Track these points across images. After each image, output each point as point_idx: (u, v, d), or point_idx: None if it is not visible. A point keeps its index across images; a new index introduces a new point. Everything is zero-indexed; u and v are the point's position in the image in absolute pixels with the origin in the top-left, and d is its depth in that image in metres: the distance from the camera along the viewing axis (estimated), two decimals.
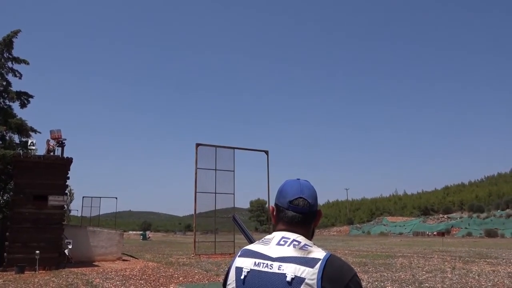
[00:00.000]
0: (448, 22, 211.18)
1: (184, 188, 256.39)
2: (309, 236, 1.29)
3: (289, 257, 1.17)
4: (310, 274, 1.12)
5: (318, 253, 1.17)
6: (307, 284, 1.11)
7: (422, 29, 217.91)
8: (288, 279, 1.13)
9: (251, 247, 1.28)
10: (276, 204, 1.34)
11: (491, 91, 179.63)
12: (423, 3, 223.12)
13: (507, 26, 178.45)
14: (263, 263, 1.20)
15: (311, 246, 1.21)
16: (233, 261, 1.29)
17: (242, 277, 1.23)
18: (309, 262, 1.14)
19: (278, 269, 1.16)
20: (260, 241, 1.30)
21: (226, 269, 1.41)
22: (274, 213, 1.34)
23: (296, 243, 1.21)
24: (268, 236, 1.30)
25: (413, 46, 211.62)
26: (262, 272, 1.19)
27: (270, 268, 1.18)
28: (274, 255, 1.20)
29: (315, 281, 1.11)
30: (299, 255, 1.17)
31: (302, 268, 1.13)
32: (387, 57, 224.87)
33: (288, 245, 1.21)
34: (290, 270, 1.14)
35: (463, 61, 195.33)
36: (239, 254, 1.30)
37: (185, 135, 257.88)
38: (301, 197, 1.28)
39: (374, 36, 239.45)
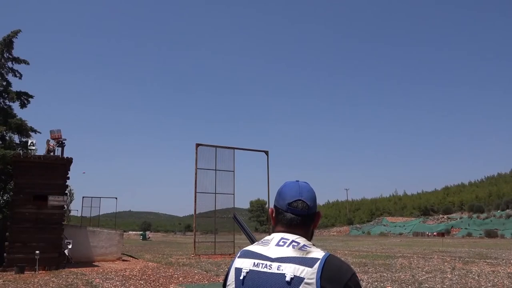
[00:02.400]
0: (447, 22, 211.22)
1: (184, 189, 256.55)
2: (308, 237, 1.29)
3: (288, 257, 1.18)
4: (309, 273, 1.13)
5: (317, 253, 1.18)
6: (306, 283, 1.12)
7: (423, 30, 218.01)
8: (288, 279, 1.14)
9: (251, 247, 1.29)
10: (275, 206, 1.34)
11: (490, 91, 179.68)
12: (420, 4, 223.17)
13: (505, 27, 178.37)
14: (262, 264, 1.21)
15: (310, 247, 1.22)
16: (232, 262, 1.30)
17: (241, 277, 1.24)
18: (308, 262, 1.15)
19: (277, 269, 1.17)
20: (260, 242, 1.32)
21: (226, 269, 1.42)
22: (273, 215, 1.34)
23: (296, 243, 1.22)
24: (267, 237, 1.31)
25: (413, 47, 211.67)
26: (261, 273, 1.20)
27: (269, 269, 1.19)
28: (273, 256, 1.21)
29: (314, 280, 1.12)
30: (298, 255, 1.18)
31: (301, 268, 1.14)
32: (386, 57, 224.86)
33: (287, 246, 1.21)
34: (289, 270, 1.15)
35: (462, 62, 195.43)
36: (238, 255, 1.31)
37: (185, 135, 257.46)
38: (300, 199, 1.29)
39: (374, 36, 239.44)
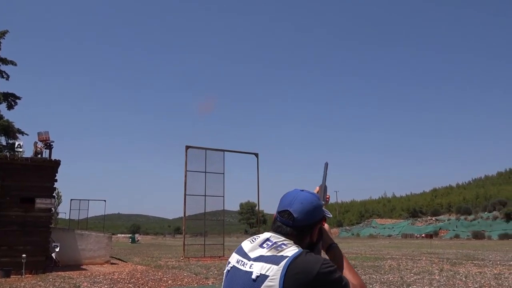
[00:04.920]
0: (434, 23, 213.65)
1: (173, 191, 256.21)
2: (300, 245, 1.30)
3: (262, 256, 1.22)
4: (274, 271, 1.14)
5: (290, 252, 1.19)
6: (270, 280, 1.14)
7: (411, 31, 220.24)
8: (253, 277, 1.17)
9: (243, 243, 1.34)
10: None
11: (478, 94, 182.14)
12: (416, 4, 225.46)
13: (496, 28, 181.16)
14: (242, 262, 1.26)
15: (287, 246, 1.22)
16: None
17: (225, 271, 1.33)
18: (276, 260, 1.17)
19: (250, 268, 1.21)
20: (251, 238, 1.35)
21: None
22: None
23: (275, 245, 1.24)
24: (259, 235, 1.35)
25: (401, 48, 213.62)
26: (238, 270, 1.25)
27: (244, 267, 1.23)
28: (252, 256, 1.25)
29: (278, 278, 1.12)
30: (270, 254, 1.20)
31: (268, 266, 1.16)
32: (376, 58, 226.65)
33: (267, 248, 1.24)
34: (257, 269, 1.18)
35: (451, 63, 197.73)
36: (236, 249, 1.36)
37: (175, 137, 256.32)
38: (287, 210, 1.30)
39: (363, 37, 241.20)
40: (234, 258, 1.31)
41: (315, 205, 1.33)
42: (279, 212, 1.32)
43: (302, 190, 1.36)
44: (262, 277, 1.15)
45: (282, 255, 1.18)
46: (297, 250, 1.20)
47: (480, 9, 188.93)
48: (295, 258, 1.16)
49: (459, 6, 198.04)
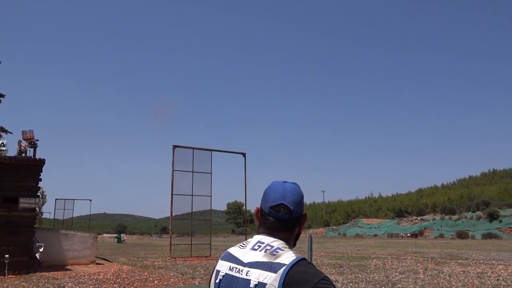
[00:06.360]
0: (425, 25, 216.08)
1: (160, 190, 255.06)
2: (290, 240, 1.28)
3: (258, 262, 1.17)
4: (272, 279, 1.10)
5: (286, 258, 1.15)
6: None
7: (398, 32, 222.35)
8: (252, 285, 1.13)
9: (232, 250, 1.29)
10: (260, 207, 1.32)
11: (465, 95, 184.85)
12: (415, 5, 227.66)
13: (488, 28, 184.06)
14: (236, 268, 1.21)
15: (283, 250, 1.19)
16: (216, 263, 1.31)
17: (217, 280, 1.25)
18: (273, 267, 1.13)
19: (246, 275, 1.17)
20: (240, 244, 1.31)
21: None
22: (259, 215, 1.32)
23: (269, 247, 1.20)
24: (248, 239, 1.30)
25: (389, 49, 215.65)
26: (234, 277, 1.20)
27: (240, 274, 1.19)
28: (245, 261, 1.20)
29: (276, 286, 1.09)
30: (267, 260, 1.16)
31: (266, 273, 1.12)
32: (364, 59, 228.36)
33: (260, 250, 1.20)
34: (255, 276, 1.14)
35: (437, 64, 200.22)
36: (222, 256, 1.31)
37: (161, 137, 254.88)
38: (282, 204, 1.25)
39: (351, 37, 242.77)
40: (224, 266, 1.25)
41: (301, 195, 1.31)
42: (272, 207, 1.26)
43: (285, 182, 1.32)
44: (261, 285, 1.12)
45: (279, 262, 1.14)
46: (295, 257, 1.16)
47: (474, 10, 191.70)
48: (293, 266, 1.12)
49: (458, 7, 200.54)
